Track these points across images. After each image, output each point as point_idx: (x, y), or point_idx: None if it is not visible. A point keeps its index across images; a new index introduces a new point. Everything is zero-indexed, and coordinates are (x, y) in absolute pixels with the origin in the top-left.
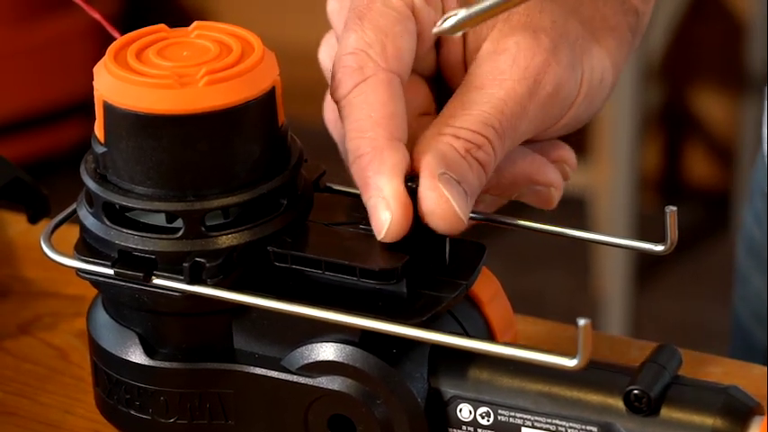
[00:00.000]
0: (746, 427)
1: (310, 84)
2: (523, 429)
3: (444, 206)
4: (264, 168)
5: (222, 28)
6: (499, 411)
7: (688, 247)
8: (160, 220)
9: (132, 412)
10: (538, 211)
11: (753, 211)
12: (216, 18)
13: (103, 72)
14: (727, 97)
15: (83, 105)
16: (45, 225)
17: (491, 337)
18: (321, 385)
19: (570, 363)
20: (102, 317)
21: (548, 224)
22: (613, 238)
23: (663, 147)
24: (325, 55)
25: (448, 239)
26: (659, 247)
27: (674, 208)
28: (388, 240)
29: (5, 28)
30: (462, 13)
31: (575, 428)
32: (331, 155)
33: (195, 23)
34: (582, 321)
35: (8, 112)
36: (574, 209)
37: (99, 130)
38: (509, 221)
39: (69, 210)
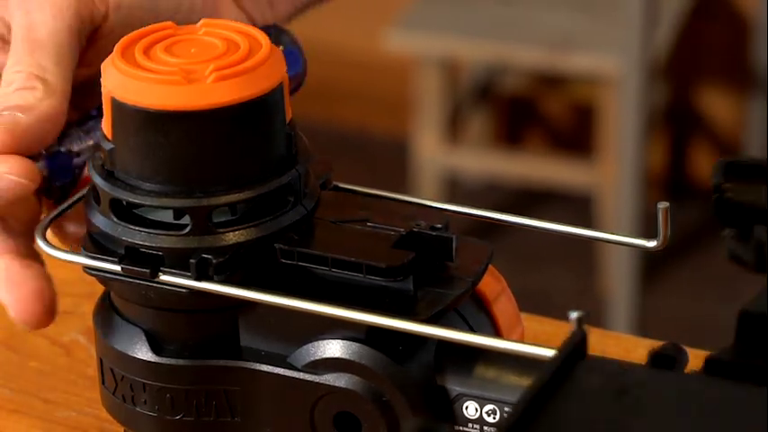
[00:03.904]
0: None
1: (316, 82)
2: None
3: None
4: (272, 165)
5: (230, 25)
6: (505, 409)
7: (694, 246)
8: (167, 216)
9: (138, 409)
10: (541, 208)
11: None
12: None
13: (111, 68)
14: (732, 96)
15: None
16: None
17: (498, 336)
18: (327, 382)
19: None
20: (108, 314)
21: (546, 221)
22: (607, 235)
23: (668, 145)
24: None
25: (455, 237)
26: (651, 243)
27: (667, 204)
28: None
29: None
30: None
31: None
32: (338, 154)
33: (203, 21)
34: (574, 314)
35: None
36: (580, 207)
37: (107, 126)
38: (503, 218)
39: (63, 206)
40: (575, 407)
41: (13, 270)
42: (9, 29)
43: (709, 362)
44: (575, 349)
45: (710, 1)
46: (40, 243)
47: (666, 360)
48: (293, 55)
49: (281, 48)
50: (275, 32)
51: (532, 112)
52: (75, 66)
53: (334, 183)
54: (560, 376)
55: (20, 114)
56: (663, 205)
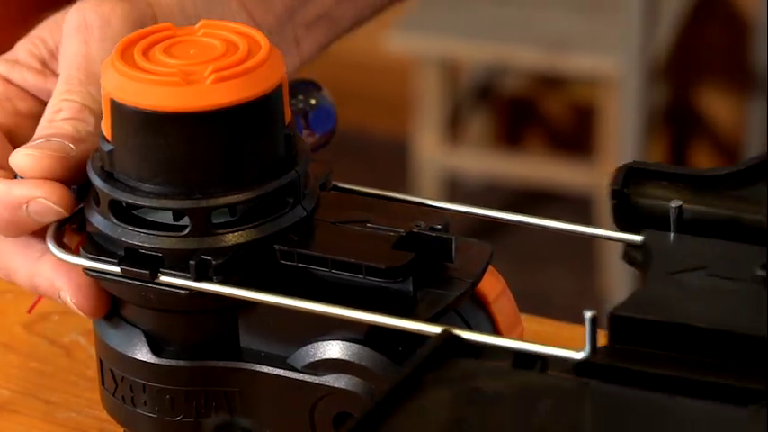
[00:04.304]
0: None
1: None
2: None
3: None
4: (271, 166)
5: (229, 26)
6: None
7: None
8: (167, 217)
9: (138, 410)
10: (541, 208)
11: None
12: None
13: (110, 70)
14: (732, 97)
15: None
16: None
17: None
18: (327, 383)
19: (577, 356)
20: (108, 315)
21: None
22: (607, 232)
23: (668, 146)
24: None
25: (455, 238)
26: None
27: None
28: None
29: (12, 26)
30: None
31: None
32: (338, 154)
33: (202, 22)
34: (588, 314)
35: None
36: (580, 208)
37: (106, 127)
38: (506, 217)
39: (75, 209)
40: (413, 420)
41: (62, 262)
42: (51, 53)
43: (578, 364)
44: (430, 356)
45: (710, 1)
46: (50, 246)
47: (528, 359)
48: (327, 112)
49: (312, 102)
50: (310, 90)
51: (532, 112)
52: None
53: (334, 183)
54: (410, 385)
55: (70, 145)
56: (674, 204)
